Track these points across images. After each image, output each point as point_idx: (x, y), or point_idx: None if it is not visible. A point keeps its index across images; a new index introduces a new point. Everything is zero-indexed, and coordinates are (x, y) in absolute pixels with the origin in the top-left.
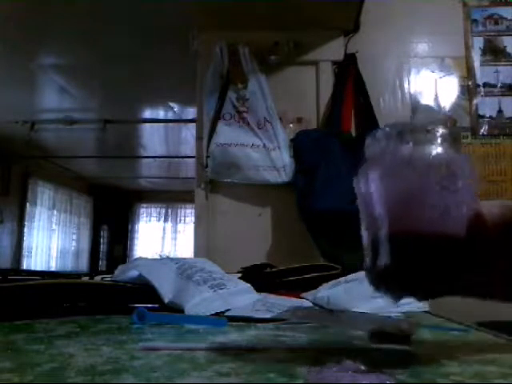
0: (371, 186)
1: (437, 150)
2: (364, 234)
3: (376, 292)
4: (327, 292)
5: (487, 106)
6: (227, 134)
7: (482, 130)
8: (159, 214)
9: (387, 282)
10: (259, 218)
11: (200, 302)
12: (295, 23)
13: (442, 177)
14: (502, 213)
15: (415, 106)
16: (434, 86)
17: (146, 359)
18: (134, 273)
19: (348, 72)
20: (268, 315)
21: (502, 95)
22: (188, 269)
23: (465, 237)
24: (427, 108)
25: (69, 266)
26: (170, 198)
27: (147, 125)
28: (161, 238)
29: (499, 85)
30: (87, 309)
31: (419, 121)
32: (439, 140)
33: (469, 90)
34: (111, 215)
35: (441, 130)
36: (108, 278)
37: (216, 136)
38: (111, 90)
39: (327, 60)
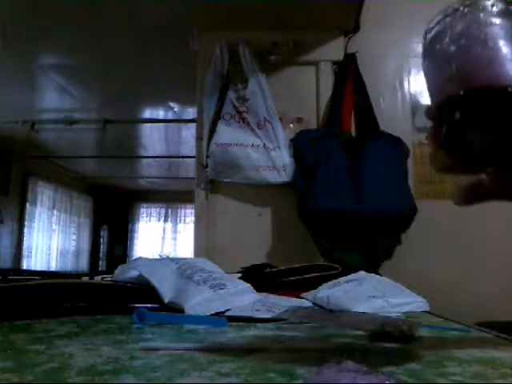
0: (442, 51)
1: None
2: (432, 98)
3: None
4: (327, 292)
5: None
6: (227, 133)
7: None
8: (159, 214)
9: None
10: (259, 217)
11: (200, 301)
12: (295, 23)
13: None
14: None
15: (415, 106)
16: None
17: (146, 359)
18: (134, 273)
19: (348, 72)
20: (268, 315)
21: None
22: (188, 269)
23: None
24: None
25: (69, 266)
26: (169, 198)
27: (147, 125)
28: (161, 238)
29: None
30: (87, 309)
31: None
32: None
33: None
34: (111, 215)
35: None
36: (108, 278)
37: (216, 136)
38: (111, 90)
39: (327, 60)
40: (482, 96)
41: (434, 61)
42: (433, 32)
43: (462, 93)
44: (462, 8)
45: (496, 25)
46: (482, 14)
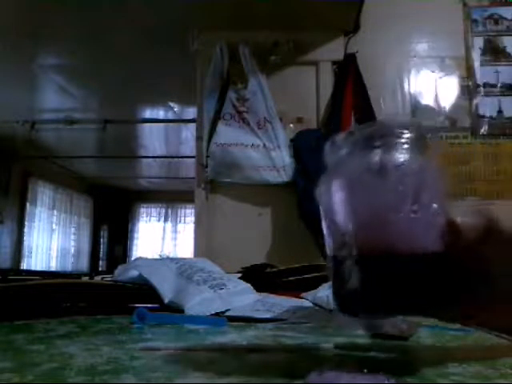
0: (334, 199)
1: (404, 157)
2: (328, 252)
3: (342, 315)
4: (327, 292)
5: (487, 106)
6: (227, 134)
7: (481, 130)
8: (159, 214)
9: (357, 305)
10: (259, 217)
11: (200, 301)
12: (295, 23)
13: (411, 188)
14: (475, 223)
15: (415, 106)
16: (434, 86)
17: (146, 359)
18: (133, 273)
19: (348, 72)
20: (268, 315)
21: (502, 95)
22: (188, 269)
23: (440, 252)
24: (427, 108)
25: (69, 266)
26: (170, 198)
27: (147, 125)
28: (161, 238)
29: (499, 85)
30: (87, 309)
31: (417, 120)
32: (407, 146)
33: (469, 90)
34: (111, 215)
35: (409, 134)
36: (108, 278)
37: (216, 136)
38: (111, 90)
39: (327, 60)
40: (382, 261)
41: (324, 210)
42: (333, 160)
43: (355, 255)
44: (361, 142)
45: (402, 175)
46: (386, 154)
